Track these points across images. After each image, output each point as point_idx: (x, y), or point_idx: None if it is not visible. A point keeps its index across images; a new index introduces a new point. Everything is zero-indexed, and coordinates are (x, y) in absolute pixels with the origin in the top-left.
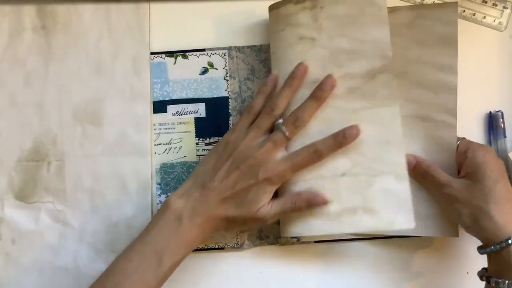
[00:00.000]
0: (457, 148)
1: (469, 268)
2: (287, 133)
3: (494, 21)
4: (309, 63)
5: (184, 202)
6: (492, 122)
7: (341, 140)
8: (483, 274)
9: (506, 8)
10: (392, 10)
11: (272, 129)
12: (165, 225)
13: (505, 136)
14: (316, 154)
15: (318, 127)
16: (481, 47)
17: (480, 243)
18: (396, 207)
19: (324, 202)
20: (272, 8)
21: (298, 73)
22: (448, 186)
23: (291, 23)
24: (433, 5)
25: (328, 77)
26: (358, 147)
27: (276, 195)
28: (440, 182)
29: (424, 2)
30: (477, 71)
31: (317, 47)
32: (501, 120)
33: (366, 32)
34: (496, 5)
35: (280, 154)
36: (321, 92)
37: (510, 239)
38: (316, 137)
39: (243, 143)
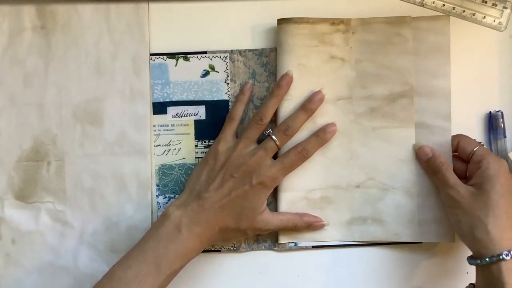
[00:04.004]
0: (472, 155)
1: (469, 268)
2: (277, 142)
3: (494, 21)
4: (337, 81)
5: (182, 212)
6: (492, 122)
7: (323, 136)
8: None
9: (506, 8)
10: (388, 20)
11: (259, 138)
12: (164, 234)
13: (505, 136)
14: (303, 153)
15: (338, 140)
16: (481, 47)
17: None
18: (403, 221)
19: (322, 226)
20: (302, 21)
21: (283, 83)
22: (454, 189)
23: (325, 42)
24: (427, 18)
25: (318, 92)
26: (374, 162)
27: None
28: (448, 183)
29: (424, 2)
30: (477, 71)
31: (345, 68)
32: (501, 120)
33: (392, 60)
34: (496, 5)
35: (271, 160)
36: (310, 104)
37: (502, 255)
38: (336, 149)
39: (234, 153)
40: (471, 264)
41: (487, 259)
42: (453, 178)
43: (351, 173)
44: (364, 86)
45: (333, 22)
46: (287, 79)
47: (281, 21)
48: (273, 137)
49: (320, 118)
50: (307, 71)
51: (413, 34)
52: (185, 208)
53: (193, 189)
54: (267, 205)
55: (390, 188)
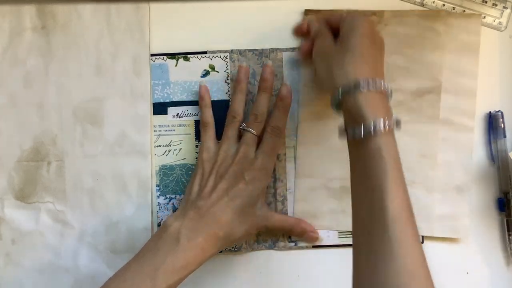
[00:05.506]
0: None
1: (469, 268)
2: (254, 132)
3: (494, 21)
4: None
5: (181, 222)
6: (492, 122)
7: (283, 104)
8: (340, 130)
9: (506, 8)
10: (421, 14)
11: (240, 135)
12: (161, 246)
13: (505, 136)
14: (275, 132)
15: None
16: (481, 47)
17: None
18: (420, 215)
19: (316, 240)
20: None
21: (241, 76)
22: (321, 39)
23: None
24: (459, 14)
25: (265, 66)
26: None
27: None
28: (319, 32)
29: (424, 2)
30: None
31: None
32: (501, 120)
33: (422, 54)
34: (496, 5)
35: (254, 153)
36: (265, 83)
37: (352, 85)
38: None
39: (219, 156)
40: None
41: (341, 91)
42: (325, 30)
43: None
44: (393, 78)
45: (365, 14)
46: (244, 71)
47: (309, 12)
48: (249, 128)
49: None
50: None
51: (445, 29)
52: (183, 219)
53: (188, 200)
54: (268, 205)
55: (410, 183)
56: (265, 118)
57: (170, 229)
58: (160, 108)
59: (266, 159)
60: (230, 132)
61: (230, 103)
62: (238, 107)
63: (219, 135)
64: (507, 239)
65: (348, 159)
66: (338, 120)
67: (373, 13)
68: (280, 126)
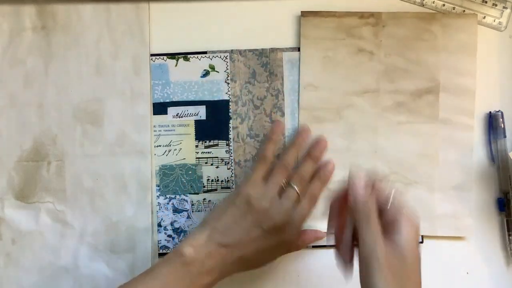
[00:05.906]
0: (389, 205)
1: (469, 268)
2: (298, 191)
3: (494, 21)
4: (364, 74)
5: (201, 256)
6: (492, 122)
7: (324, 175)
8: None
9: (506, 8)
10: (418, 15)
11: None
12: (173, 277)
13: (505, 136)
14: (313, 200)
15: (363, 133)
16: (481, 47)
17: None
18: (422, 215)
19: (322, 237)
20: (328, 15)
21: (304, 135)
22: (372, 249)
23: (353, 35)
24: (455, 15)
25: (321, 139)
26: (398, 156)
27: None
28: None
29: (424, 2)
30: (477, 71)
31: (374, 61)
32: (501, 120)
33: (420, 56)
34: (496, 5)
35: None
36: (316, 152)
37: None
38: (360, 142)
39: (266, 203)
40: None
41: None
42: (379, 238)
43: (375, 167)
44: (392, 80)
45: (362, 15)
46: (305, 134)
47: (306, 14)
48: (295, 186)
49: (347, 110)
50: (334, 63)
51: (442, 31)
52: (204, 252)
53: (214, 228)
54: None
55: (413, 183)
56: (308, 181)
57: (186, 260)
58: (160, 108)
59: (301, 223)
60: (278, 178)
61: (285, 152)
62: (292, 159)
63: (215, 134)
64: (507, 239)
65: (349, 159)
66: (338, 123)
67: (371, 14)
68: (317, 196)
